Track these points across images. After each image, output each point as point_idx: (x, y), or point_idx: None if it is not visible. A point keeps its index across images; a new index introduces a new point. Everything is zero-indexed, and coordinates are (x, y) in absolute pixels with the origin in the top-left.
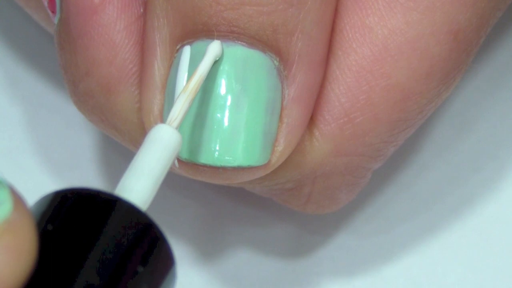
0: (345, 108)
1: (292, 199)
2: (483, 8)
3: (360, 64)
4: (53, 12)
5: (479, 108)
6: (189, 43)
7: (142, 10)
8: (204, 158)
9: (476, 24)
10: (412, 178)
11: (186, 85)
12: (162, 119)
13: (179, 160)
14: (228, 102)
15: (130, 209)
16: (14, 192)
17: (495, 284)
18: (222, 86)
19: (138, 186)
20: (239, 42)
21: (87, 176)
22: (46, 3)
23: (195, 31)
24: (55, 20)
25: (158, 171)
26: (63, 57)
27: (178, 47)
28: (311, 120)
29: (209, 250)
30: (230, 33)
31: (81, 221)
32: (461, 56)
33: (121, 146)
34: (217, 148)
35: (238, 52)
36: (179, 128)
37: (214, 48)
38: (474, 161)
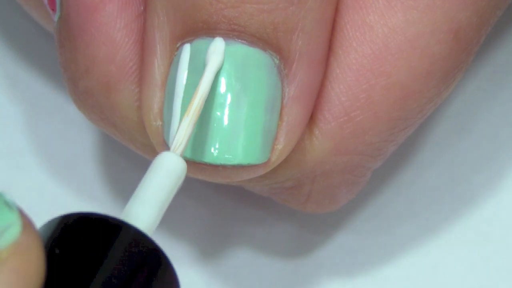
0: (345, 107)
1: (291, 198)
2: (484, 7)
3: (360, 63)
4: (53, 10)
5: (479, 108)
6: (189, 41)
7: (142, 8)
8: (204, 156)
9: (476, 23)
10: (412, 178)
11: (188, 107)
12: (162, 116)
13: None
14: (228, 101)
15: (136, 234)
16: (23, 215)
17: (495, 284)
18: (222, 84)
19: (143, 213)
20: (240, 40)
21: (87, 176)
22: (46, 1)
23: (195, 29)
24: (55, 18)
25: (162, 199)
26: (63, 55)
27: (178, 45)
28: (311, 119)
29: (209, 250)
30: (230, 31)
31: (87, 246)
32: (462, 55)
33: (120, 146)
34: (217, 146)
35: (239, 50)
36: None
37: (213, 66)
38: (474, 161)
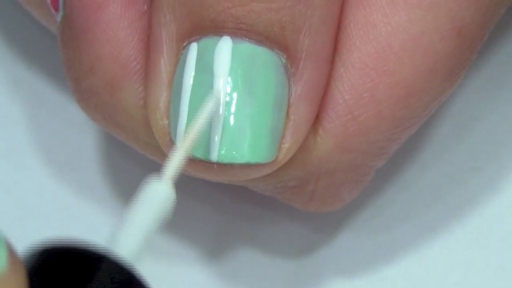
0: (349, 106)
1: (295, 197)
2: (487, 4)
3: (363, 62)
4: (56, 9)
5: (479, 108)
6: (196, 40)
7: (146, 7)
8: (211, 155)
9: (480, 21)
10: (412, 178)
11: (183, 142)
12: (168, 115)
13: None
14: (235, 99)
15: (117, 265)
16: (10, 248)
17: (495, 284)
18: (229, 83)
19: (128, 242)
20: (247, 39)
21: (88, 176)
22: (49, 0)
23: (203, 28)
24: (58, 17)
25: (148, 229)
26: (66, 54)
27: (185, 44)
28: (315, 118)
29: (209, 249)
30: (237, 30)
31: (69, 279)
32: (465, 52)
33: (122, 146)
34: (224, 145)
35: (246, 49)
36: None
37: (212, 102)
38: (474, 161)
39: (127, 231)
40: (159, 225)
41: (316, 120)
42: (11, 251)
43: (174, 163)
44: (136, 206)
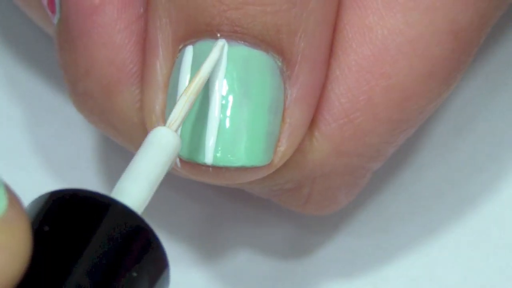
0: (345, 109)
1: (291, 199)
2: (484, 7)
3: (360, 64)
4: (53, 12)
5: (479, 108)
6: (192, 43)
7: (142, 10)
8: (207, 158)
9: (477, 24)
10: (412, 178)
11: (187, 87)
12: (164, 118)
13: (181, 160)
14: (231, 102)
15: (124, 211)
16: (10, 191)
17: (495, 284)
18: (225, 86)
19: (135, 189)
20: (242, 42)
21: (87, 176)
22: (45, 3)
23: (198, 31)
24: (55, 20)
25: (155, 175)
26: (63, 57)
27: (180, 47)
28: (311, 120)
29: (209, 250)
30: (233, 33)
31: (75, 223)
32: (462, 56)
33: (120, 147)
34: (220, 148)
35: (241, 52)
36: (181, 128)
37: (217, 49)
38: (474, 161)
39: (134, 178)
40: (165, 173)
41: (312, 123)
42: (11, 194)
43: (179, 109)
44: (142, 152)
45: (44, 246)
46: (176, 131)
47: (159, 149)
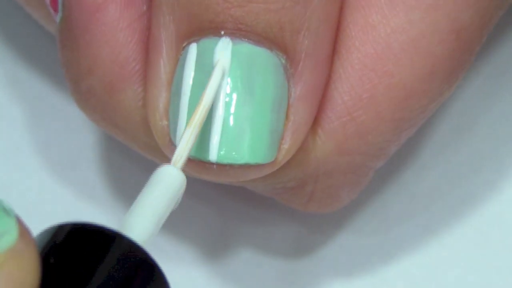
0: (348, 107)
1: (294, 198)
2: (486, 6)
3: (363, 63)
4: (55, 10)
5: (479, 108)
6: (196, 41)
7: (145, 8)
8: (211, 156)
9: (478, 23)
10: (412, 178)
11: (190, 119)
12: (168, 116)
13: None
14: (235, 100)
15: (130, 245)
16: (21, 222)
17: (495, 284)
18: (229, 83)
19: (140, 225)
20: (246, 39)
21: (87, 176)
22: (48, 1)
23: (202, 28)
24: (57, 18)
25: (160, 212)
26: (65, 56)
27: (184, 44)
28: (314, 119)
29: (209, 249)
30: (236, 30)
31: (81, 255)
32: (464, 55)
33: (121, 146)
34: (224, 146)
35: (245, 49)
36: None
37: (216, 76)
38: (474, 161)
39: (139, 215)
40: (171, 209)
41: (315, 121)
42: (21, 226)
43: (184, 144)
44: (148, 189)
45: (51, 277)
46: (181, 168)
47: (164, 187)
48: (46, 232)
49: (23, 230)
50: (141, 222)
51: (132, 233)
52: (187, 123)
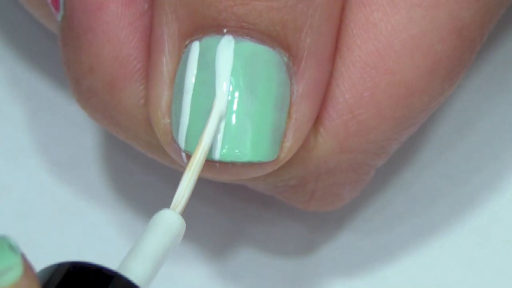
0: (349, 104)
1: (295, 196)
2: (487, 5)
3: (364, 60)
4: (57, 9)
5: (479, 108)
6: (198, 39)
7: (146, 6)
8: (214, 154)
9: (479, 21)
10: (412, 178)
11: (189, 163)
12: (170, 114)
13: (188, 156)
14: (237, 98)
15: (128, 285)
16: (25, 259)
17: (495, 284)
18: (231, 81)
19: (139, 268)
20: (249, 37)
21: (88, 176)
22: (49, 0)
23: (204, 26)
24: (59, 17)
25: (159, 256)
26: (67, 54)
27: (186, 42)
28: (316, 117)
29: (209, 249)
30: (239, 28)
31: None
32: (465, 53)
33: (122, 146)
34: (226, 144)
35: (247, 47)
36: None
37: (214, 118)
38: (474, 161)
39: (138, 259)
40: (169, 253)
41: (317, 119)
42: (26, 263)
43: (183, 189)
44: (147, 234)
45: None
46: (180, 213)
47: (164, 231)
48: (46, 270)
49: (27, 267)
50: (140, 265)
51: (130, 275)
52: (189, 121)
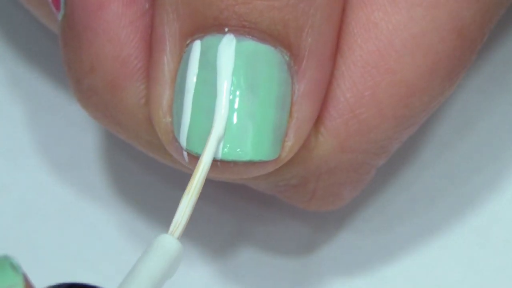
0: (350, 104)
1: (296, 195)
2: (487, 5)
3: (365, 60)
4: (57, 8)
5: (479, 108)
6: (200, 38)
7: (147, 6)
8: (216, 153)
9: (480, 21)
10: (412, 178)
11: (187, 187)
12: (171, 113)
13: (189, 155)
14: (239, 97)
15: None
16: (27, 279)
17: (495, 284)
18: (232, 80)
19: None
20: (250, 37)
21: (88, 176)
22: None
23: (206, 25)
24: (59, 16)
25: (155, 282)
26: (67, 54)
27: (188, 41)
28: (317, 116)
29: (210, 248)
30: (241, 27)
31: None
32: (465, 53)
33: (122, 146)
34: (228, 143)
35: (249, 46)
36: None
37: (212, 142)
38: (474, 161)
39: (135, 283)
40: (167, 279)
41: (318, 119)
42: (27, 281)
43: (181, 213)
44: (145, 258)
45: None
46: (178, 238)
47: (161, 257)
48: None
49: (28, 286)
50: None
51: None
52: (190, 120)
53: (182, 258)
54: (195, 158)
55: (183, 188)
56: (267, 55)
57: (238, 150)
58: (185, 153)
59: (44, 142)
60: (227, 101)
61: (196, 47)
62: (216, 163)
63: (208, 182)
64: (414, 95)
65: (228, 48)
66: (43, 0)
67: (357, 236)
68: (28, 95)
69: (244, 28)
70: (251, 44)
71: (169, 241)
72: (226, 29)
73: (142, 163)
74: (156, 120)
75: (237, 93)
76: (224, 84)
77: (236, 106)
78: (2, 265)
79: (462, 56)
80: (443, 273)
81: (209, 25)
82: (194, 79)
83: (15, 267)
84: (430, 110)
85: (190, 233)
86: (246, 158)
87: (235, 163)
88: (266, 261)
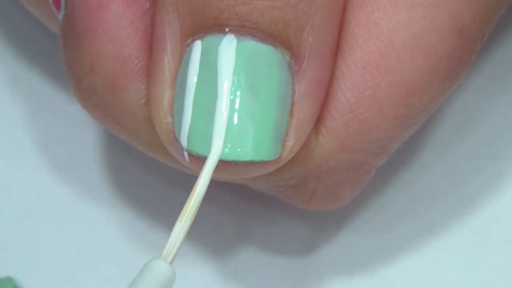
0: (350, 104)
1: (296, 195)
2: (487, 5)
3: (365, 60)
4: (58, 8)
5: (479, 108)
6: (200, 38)
7: (147, 5)
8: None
9: (480, 21)
10: (412, 178)
11: (182, 212)
12: (172, 113)
13: (190, 155)
14: (239, 97)
15: None
16: None
17: (495, 284)
18: (233, 80)
19: None
20: (250, 37)
21: (88, 176)
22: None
23: (206, 25)
24: (60, 16)
25: None
26: (67, 54)
27: (188, 41)
28: (318, 116)
29: (210, 248)
30: (241, 27)
31: None
32: (465, 53)
33: (122, 146)
34: (229, 143)
35: (249, 46)
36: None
37: (211, 164)
38: (474, 161)
39: None
40: None
41: (318, 119)
42: None
43: (174, 239)
44: (136, 283)
45: None
46: (170, 263)
47: (153, 282)
48: None
49: None
50: None
51: None
52: (191, 120)
53: (174, 283)
54: (195, 158)
55: (183, 188)
56: (267, 55)
57: (239, 150)
58: (185, 153)
59: (44, 142)
60: (228, 101)
61: (197, 47)
62: (217, 163)
63: (209, 182)
64: (414, 95)
65: (228, 48)
66: (43, 0)
67: (357, 236)
68: (28, 95)
69: (245, 28)
70: (251, 44)
71: (161, 267)
72: (227, 29)
73: (142, 163)
74: (157, 120)
75: (238, 93)
76: (225, 84)
77: (236, 106)
78: (5, 286)
79: (462, 56)
80: (443, 273)
81: (209, 25)
82: (195, 79)
83: None
84: (430, 110)
85: (190, 233)
86: (247, 158)
87: (235, 163)
88: (266, 261)
